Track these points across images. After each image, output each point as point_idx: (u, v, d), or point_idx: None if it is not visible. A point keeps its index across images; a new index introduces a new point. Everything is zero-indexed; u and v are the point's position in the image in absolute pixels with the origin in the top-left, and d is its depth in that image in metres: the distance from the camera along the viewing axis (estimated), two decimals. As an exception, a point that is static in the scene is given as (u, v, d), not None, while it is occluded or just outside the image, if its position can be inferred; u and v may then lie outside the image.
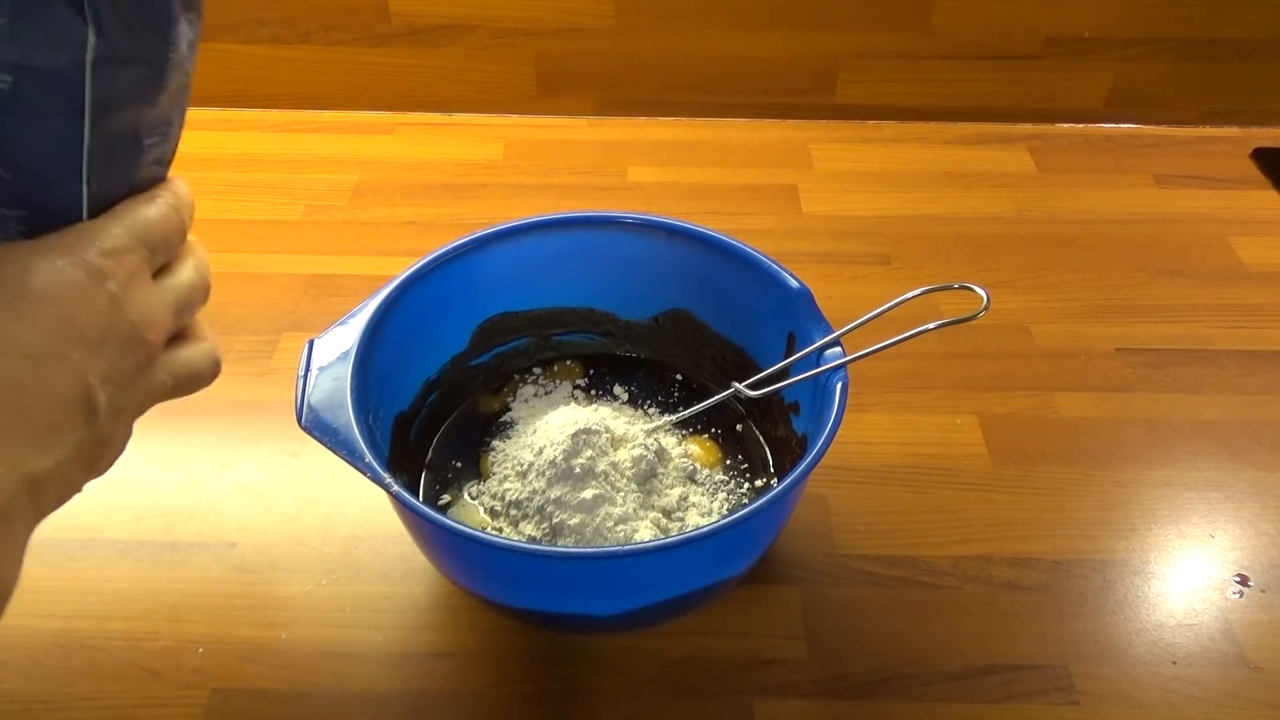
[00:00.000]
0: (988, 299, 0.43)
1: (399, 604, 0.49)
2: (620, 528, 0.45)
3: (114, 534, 0.52)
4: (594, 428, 0.47)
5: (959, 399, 0.60)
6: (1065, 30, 0.81)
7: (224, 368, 0.63)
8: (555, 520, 0.45)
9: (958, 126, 0.86)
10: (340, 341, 0.44)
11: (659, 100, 0.86)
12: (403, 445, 0.50)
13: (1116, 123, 0.87)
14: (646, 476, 0.47)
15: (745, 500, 0.50)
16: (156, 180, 0.35)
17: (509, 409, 0.55)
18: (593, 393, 0.56)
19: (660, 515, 0.47)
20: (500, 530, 0.47)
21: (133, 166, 0.33)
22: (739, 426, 0.54)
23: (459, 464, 0.52)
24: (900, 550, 0.51)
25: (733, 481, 0.51)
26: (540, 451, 0.47)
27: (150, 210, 0.33)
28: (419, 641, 0.47)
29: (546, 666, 0.46)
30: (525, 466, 0.47)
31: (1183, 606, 0.49)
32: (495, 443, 0.52)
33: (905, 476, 0.55)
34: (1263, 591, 0.50)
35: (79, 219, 0.32)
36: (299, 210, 0.75)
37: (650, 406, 0.55)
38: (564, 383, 0.56)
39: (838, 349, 0.45)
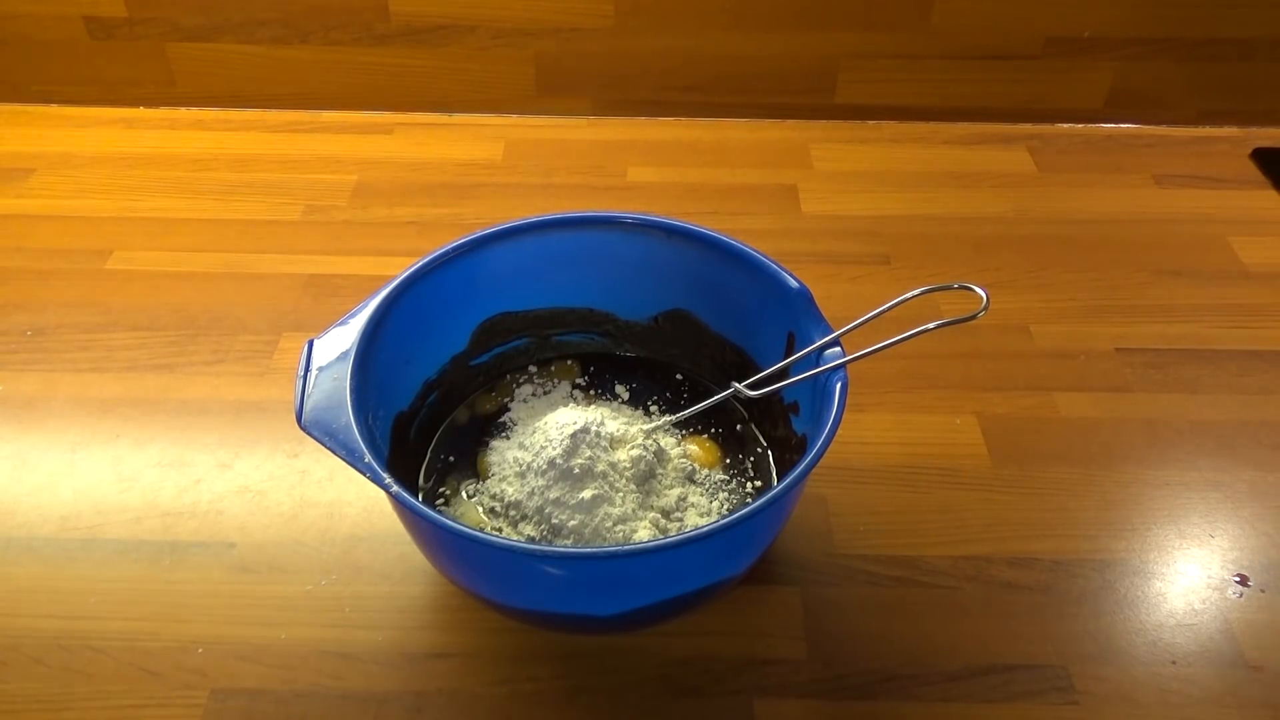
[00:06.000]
0: (987, 299, 0.43)
1: (399, 604, 0.49)
2: (619, 528, 0.45)
3: (114, 534, 0.52)
4: (593, 428, 0.47)
5: (959, 399, 0.60)
6: (1065, 30, 0.81)
7: (224, 368, 0.64)
8: (554, 520, 0.45)
9: (958, 126, 0.86)
10: (340, 341, 0.44)
11: (658, 100, 0.86)
12: (402, 445, 0.50)
13: (1116, 123, 0.87)
14: (645, 477, 0.47)
15: (745, 500, 0.50)
16: None
17: (508, 409, 0.55)
18: (592, 392, 0.56)
19: (659, 515, 0.47)
20: (499, 530, 0.47)
21: None
22: (739, 426, 0.54)
23: (458, 464, 0.52)
24: (900, 550, 0.51)
25: (733, 481, 0.51)
26: (539, 451, 0.47)
27: None
28: (419, 641, 0.47)
29: (546, 666, 0.46)
30: (524, 466, 0.47)
31: (1182, 606, 0.49)
32: (494, 442, 0.52)
33: (905, 476, 0.55)
34: (1262, 591, 0.50)
35: None
36: (298, 210, 0.75)
37: (650, 406, 0.55)
38: (563, 382, 0.56)
39: (837, 349, 0.45)
